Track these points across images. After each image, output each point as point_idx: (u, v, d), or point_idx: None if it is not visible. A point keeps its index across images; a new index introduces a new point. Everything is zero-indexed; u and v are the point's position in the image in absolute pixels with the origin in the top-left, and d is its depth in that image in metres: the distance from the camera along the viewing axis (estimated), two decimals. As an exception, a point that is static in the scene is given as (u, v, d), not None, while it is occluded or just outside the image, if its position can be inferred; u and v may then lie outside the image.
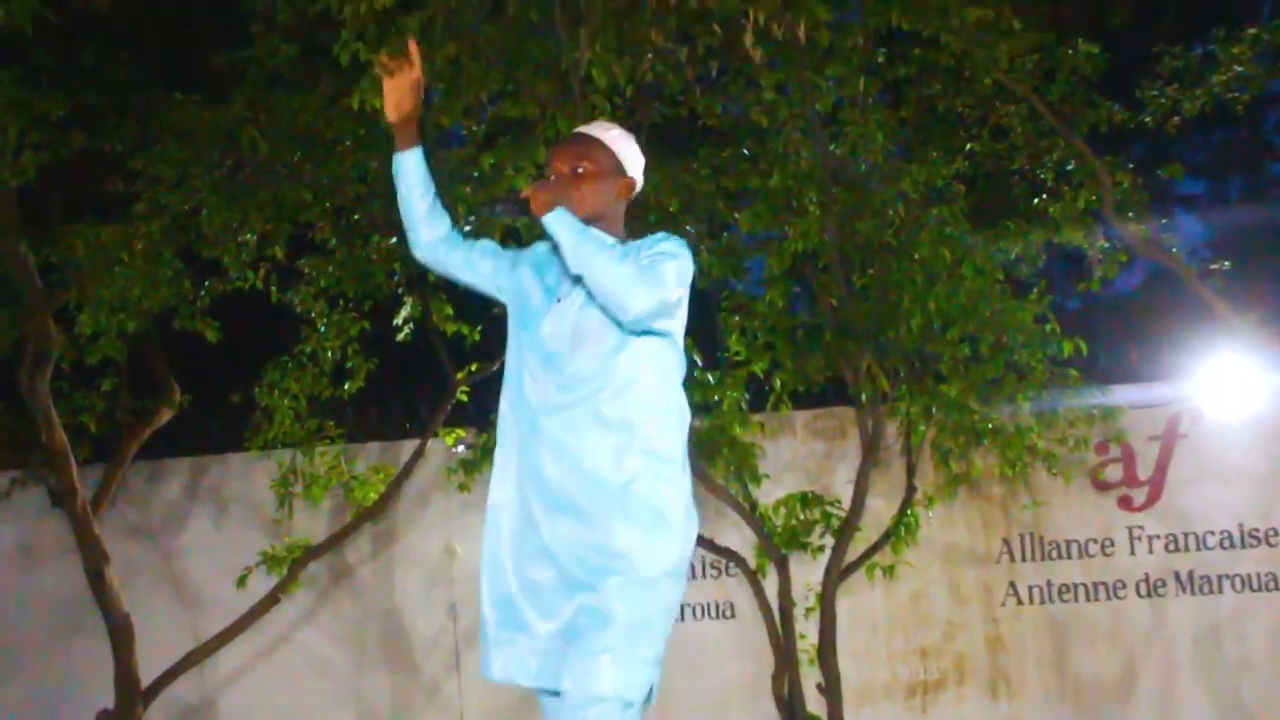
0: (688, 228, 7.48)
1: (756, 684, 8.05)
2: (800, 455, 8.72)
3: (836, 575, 7.27)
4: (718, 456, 7.39)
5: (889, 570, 7.79)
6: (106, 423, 8.93)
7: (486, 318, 8.30)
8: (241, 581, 8.38)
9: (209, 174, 7.07)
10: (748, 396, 7.61)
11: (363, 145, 7.13)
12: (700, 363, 7.50)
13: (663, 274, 2.89)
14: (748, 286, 7.95)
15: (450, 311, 8.26)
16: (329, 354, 8.26)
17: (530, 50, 6.42)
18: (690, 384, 7.21)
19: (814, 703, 7.35)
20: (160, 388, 9.09)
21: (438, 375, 8.84)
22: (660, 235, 3.01)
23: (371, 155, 7.10)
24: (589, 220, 3.01)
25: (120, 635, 8.20)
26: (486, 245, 3.26)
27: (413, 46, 3.20)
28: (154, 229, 7.19)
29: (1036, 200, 7.85)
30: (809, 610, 7.53)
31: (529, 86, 6.47)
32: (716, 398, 7.45)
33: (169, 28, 9.14)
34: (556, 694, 2.85)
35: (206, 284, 8.02)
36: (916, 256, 6.85)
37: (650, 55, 6.23)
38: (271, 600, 8.51)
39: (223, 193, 7.10)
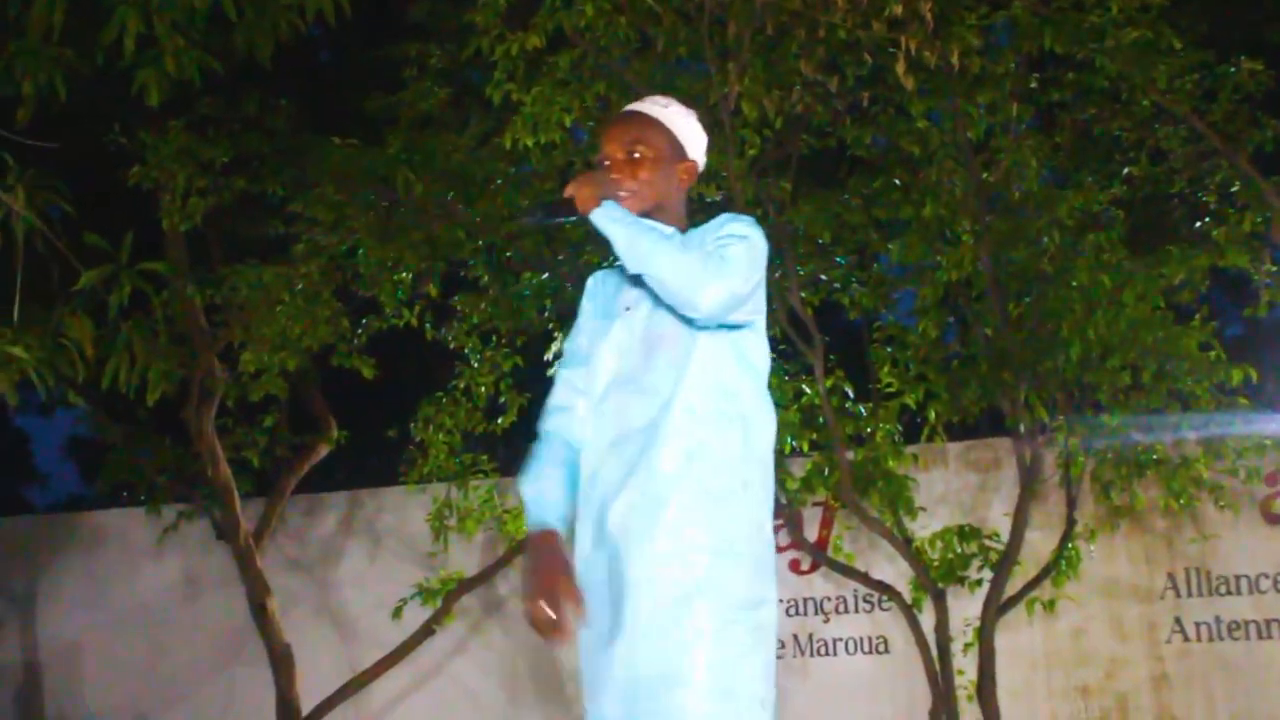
0: (838, 259, 7.44)
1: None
2: (955, 487, 8.57)
3: (995, 610, 7.10)
4: (871, 489, 7.30)
5: (1049, 605, 7.58)
6: (267, 458, 9.21)
7: (636, 352, 8.34)
8: (397, 613, 8.52)
9: (365, 215, 7.24)
10: (900, 428, 7.51)
11: (513, 183, 7.23)
12: (852, 394, 7.43)
13: (732, 261, 2.51)
14: (899, 317, 7.86)
15: (599, 346, 8.32)
16: (482, 389, 8.38)
17: (679, 84, 6.45)
18: (843, 416, 7.18)
19: (973, 741, 7.19)
20: (318, 424, 9.33)
21: (587, 409, 8.90)
22: (725, 216, 2.65)
23: (522, 194, 7.20)
24: (649, 211, 2.67)
25: (281, 664, 8.41)
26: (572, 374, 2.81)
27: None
28: (313, 269, 7.39)
29: (1198, 224, 7.62)
30: (967, 646, 7.37)
31: (678, 121, 6.49)
32: (869, 429, 7.37)
33: (326, 75, 9.43)
34: None
35: (363, 322, 8.21)
36: (1074, 284, 6.70)
37: (799, 87, 6.22)
38: (425, 632, 8.64)
39: (378, 233, 7.26)
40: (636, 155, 2.69)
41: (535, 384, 8.53)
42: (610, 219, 2.55)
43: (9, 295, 5.38)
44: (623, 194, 2.63)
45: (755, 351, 2.63)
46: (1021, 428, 7.20)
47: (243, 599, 8.73)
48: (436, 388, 8.49)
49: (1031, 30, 6.44)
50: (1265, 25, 7.95)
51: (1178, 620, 8.20)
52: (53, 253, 5.64)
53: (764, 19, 5.74)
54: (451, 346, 8.43)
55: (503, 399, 8.49)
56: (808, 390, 7.35)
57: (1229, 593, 8.15)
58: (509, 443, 9.01)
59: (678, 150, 2.74)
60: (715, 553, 2.49)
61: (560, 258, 7.58)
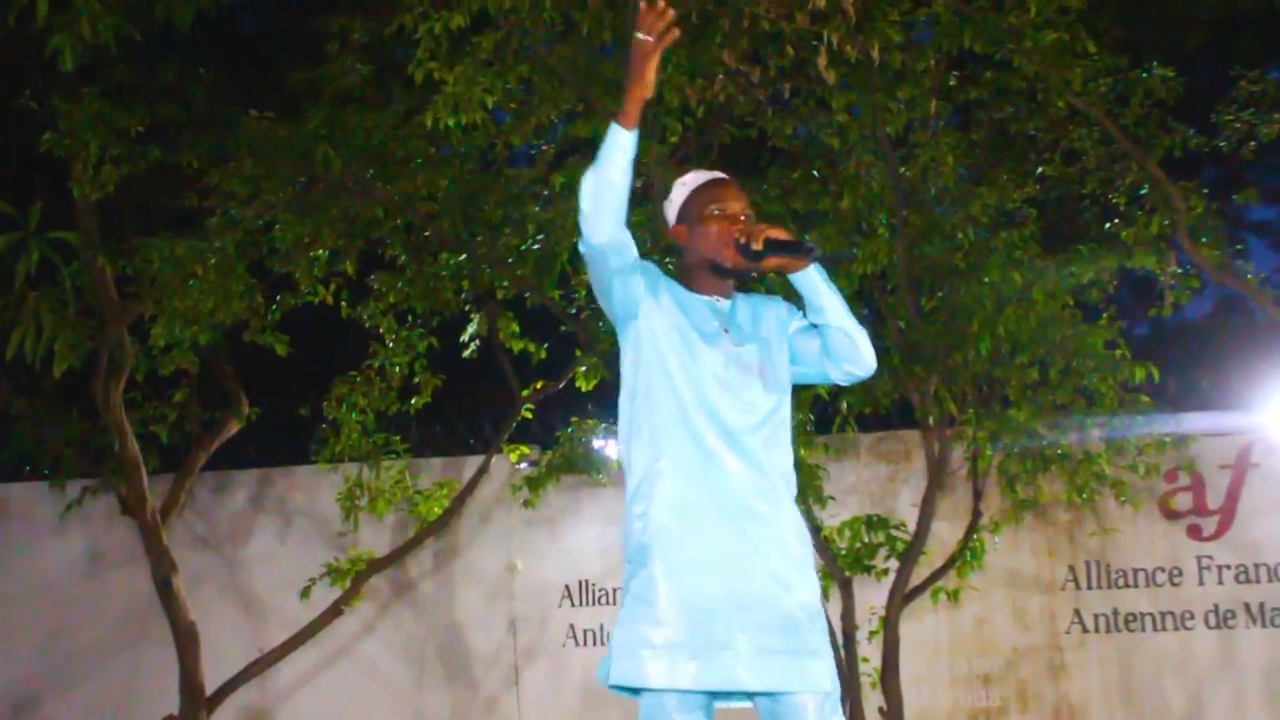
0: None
1: (817, 707, 8.00)
2: (865, 478, 8.69)
3: (901, 599, 7.22)
4: (782, 478, 7.36)
5: (953, 595, 7.72)
6: (177, 434, 9.08)
7: (552, 335, 8.34)
8: (305, 593, 8.47)
9: (282, 190, 7.15)
10: (812, 418, 7.59)
11: (434, 163, 7.19)
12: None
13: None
14: (814, 308, 7.92)
15: (516, 329, 8.31)
16: (396, 369, 8.33)
17: (602, 70, 6.45)
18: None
19: (876, 727, 7.30)
20: (230, 400, 9.21)
21: (503, 392, 8.90)
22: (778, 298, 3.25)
23: (443, 173, 7.17)
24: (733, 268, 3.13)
25: (186, 643, 8.30)
26: (635, 259, 3.08)
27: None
28: (227, 243, 7.29)
29: (1108, 225, 7.76)
30: (872, 634, 7.48)
31: (600, 106, 6.49)
32: (782, 419, 7.42)
33: (246, 46, 9.30)
34: (771, 696, 2.88)
35: (278, 298, 8.12)
36: (986, 280, 6.81)
37: (722, 76, 6.24)
38: (334, 612, 8.59)
39: (295, 208, 7.18)
40: (746, 216, 3.09)
41: (450, 365, 8.52)
42: (825, 278, 3.06)
43: (-88, 261, 5.27)
44: (748, 247, 2.97)
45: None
46: (931, 420, 7.31)
47: (148, 576, 8.60)
48: (350, 366, 8.43)
49: (952, 28, 6.51)
50: (1179, 32, 8.12)
51: (1077, 612, 8.40)
52: (-42, 219, 5.54)
53: (688, 7, 5.74)
54: (367, 325, 8.37)
55: (417, 379, 8.45)
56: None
57: (1127, 585, 8.37)
58: (422, 423, 8.99)
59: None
60: (805, 540, 3.04)
61: (479, 239, 7.55)
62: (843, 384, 3.21)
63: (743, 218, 3.08)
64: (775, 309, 3.19)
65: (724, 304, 3.11)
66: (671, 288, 3.11)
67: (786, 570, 2.92)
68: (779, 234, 2.96)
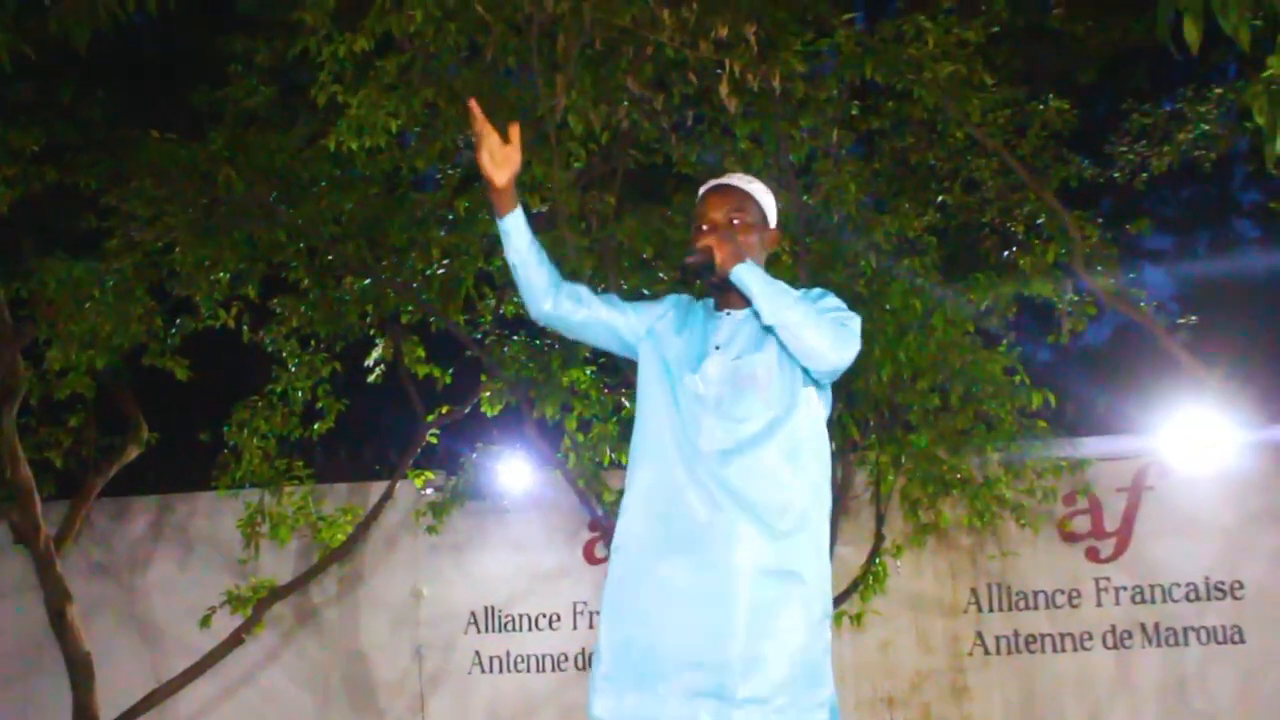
0: (660, 275, 7.51)
1: (723, 732, 8.02)
2: (770, 502, 8.72)
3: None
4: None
5: (857, 619, 7.78)
6: (72, 459, 8.88)
7: (458, 360, 8.30)
8: (205, 621, 8.31)
9: (183, 212, 7.06)
10: (717, 442, 7.61)
11: (338, 186, 7.15)
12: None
13: (853, 332, 2.96)
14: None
15: (422, 354, 8.27)
16: (299, 394, 8.24)
17: (507, 95, 6.45)
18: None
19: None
20: (128, 425, 9.05)
21: (408, 417, 8.84)
22: (820, 290, 3.07)
23: (346, 196, 7.12)
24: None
25: (80, 674, 8.11)
26: (612, 300, 3.17)
27: (474, 108, 3.07)
28: (126, 265, 7.18)
29: (1007, 253, 7.92)
30: (776, 658, 7.51)
31: (507, 130, 6.48)
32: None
33: (147, 66, 9.16)
34: None
35: (178, 322, 8.00)
36: (888, 307, 6.89)
37: (626, 102, 6.27)
38: (235, 641, 8.44)
39: (197, 231, 7.09)
40: (735, 222, 3.03)
41: (353, 390, 8.44)
42: (753, 276, 2.92)
43: None
44: (722, 255, 2.94)
45: (824, 401, 3.03)
46: (833, 445, 7.36)
47: (41, 606, 8.40)
48: (252, 391, 8.32)
49: (854, 59, 6.60)
50: (1074, 67, 8.30)
51: (979, 634, 8.50)
52: None
53: (592, 34, 5.76)
54: (269, 350, 8.27)
55: (320, 404, 8.36)
56: (627, 404, 7.41)
57: (1027, 607, 8.49)
58: (326, 449, 8.89)
59: (765, 219, 3.11)
60: (811, 567, 2.90)
61: (383, 263, 7.50)
62: (829, 380, 3.01)
63: (704, 226, 3.05)
64: None
65: (737, 314, 3.05)
66: (677, 313, 3.14)
67: (728, 618, 2.81)
68: (691, 258, 2.98)
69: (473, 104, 3.05)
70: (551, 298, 3.09)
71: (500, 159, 3.00)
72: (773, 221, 3.15)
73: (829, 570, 2.97)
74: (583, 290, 3.14)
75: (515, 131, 3.03)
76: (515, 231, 3.05)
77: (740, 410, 2.93)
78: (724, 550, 2.85)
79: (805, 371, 2.96)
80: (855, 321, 3.00)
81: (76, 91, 7.89)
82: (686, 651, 2.81)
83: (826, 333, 2.90)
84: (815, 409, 3.00)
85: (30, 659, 8.94)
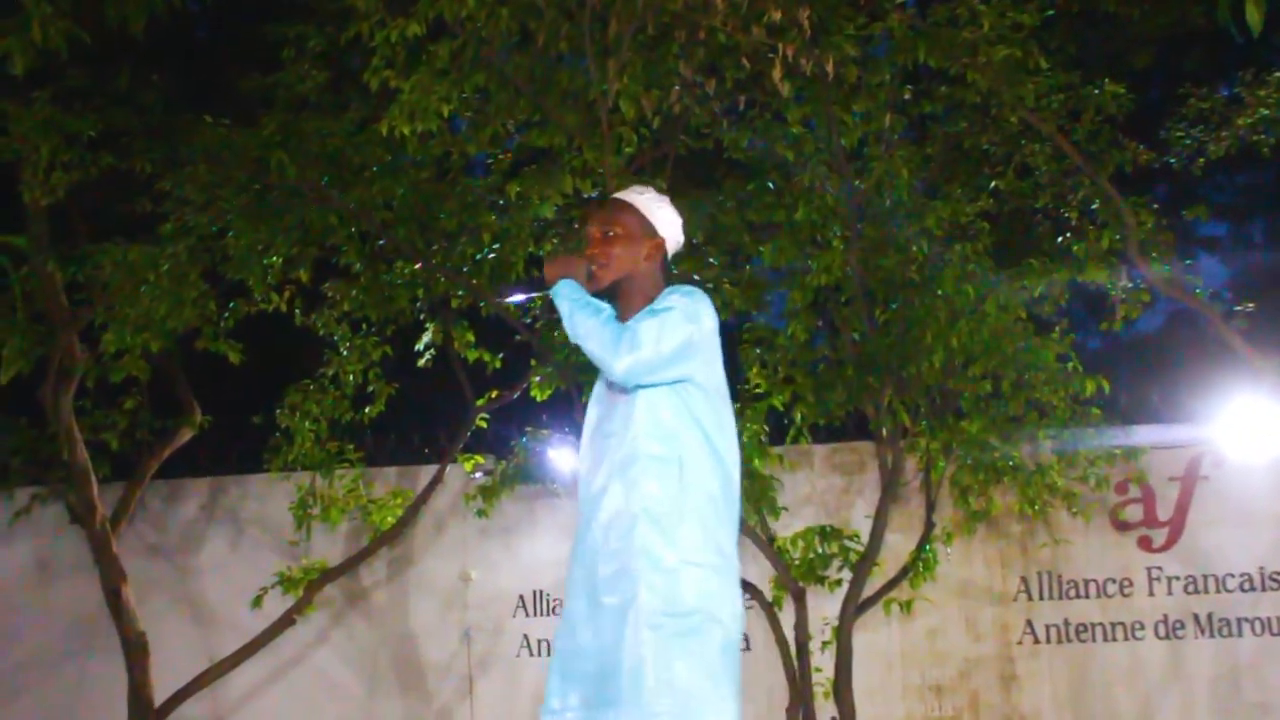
0: (710, 259, 7.50)
1: (770, 717, 8.03)
2: (819, 489, 8.71)
3: (853, 610, 7.25)
4: (736, 488, 7.37)
5: (906, 606, 7.76)
6: (127, 441, 8.99)
7: (508, 345, 8.32)
8: (257, 602, 8.40)
9: (236, 197, 7.11)
10: (767, 429, 7.61)
11: (389, 171, 7.16)
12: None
13: (644, 334, 2.98)
14: (769, 319, 7.97)
15: (471, 338, 8.29)
16: (350, 378, 8.29)
17: (559, 80, 6.45)
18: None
19: (828, 738, 7.33)
20: (181, 408, 9.14)
21: (458, 401, 8.87)
22: (670, 289, 3.12)
23: (398, 181, 7.14)
24: (621, 280, 3.17)
25: (134, 653, 8.22)
26: None
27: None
28: (180, 250, 7.23)
29: (1060, 239, 7.85)
30: (825, 644, 7.51)
31: (556, 116, 6.50)
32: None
33: (201, 53, 9.24)
34: None
35: (231, 305, 8.07)
36: (940, 293, 6.86)
37: (678, 87, 6.26)
38: (286, 622, 8.52)
39: (249, 215, 7.13)
40: (611, 234, 3.19)
41: (404, 374, 8.48)
42: (560, 296, 3.12)
43: None
44: (595, 267, 3.16)
45: (699, 403, 3.04)
46: (885, 432, 7.35)
47: (97, 586, 8.51)
48: (304, 375, 8.38)
49: (907, 43, 6.57)
50: (1129, 50, 8.21)
51: (1029, 623, 8.45)
52: (-96, 222, 5.46)
53: (645, 18, 5.75)
54: (321, 333, 8.32)
55: (371, 388, 8.41)
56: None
57: (1078, 596, 8.42)
58: (376, 432, 8.94)
59: (648, 229, 3.22)
60: (645, 568, 2.94)
61: (434, 247, 7.53)
62: (639, 383, 3.04)
63: (590, 244, 3.22)
64: None
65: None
66: None
67: (589, 621, 3.01)
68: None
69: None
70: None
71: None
72: (662, 230, 3.24)
73: (683, 571, 2.93)
74: None
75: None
76: (562, 300, 3.19)
77: (613, 424, 3.10)
78: (588, 563, 3.05)
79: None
80: (653, 321, 3.01)
81: (132, 77, 7.95)
82: (565, 667, 3.03)
83: (606, 347, 2.99)
84: (660, 413, 3.03)
85: (86, 638, 9.06)
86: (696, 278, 7.38)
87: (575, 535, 3.15)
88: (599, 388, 3.21)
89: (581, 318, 3.06)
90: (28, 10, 5.57)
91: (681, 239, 3.32)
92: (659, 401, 3.03)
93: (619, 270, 3.17)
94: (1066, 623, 8.41)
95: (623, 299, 3.19)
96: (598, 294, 3.16)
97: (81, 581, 8.97)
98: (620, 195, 3.30)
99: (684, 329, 3.02)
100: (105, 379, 8.02)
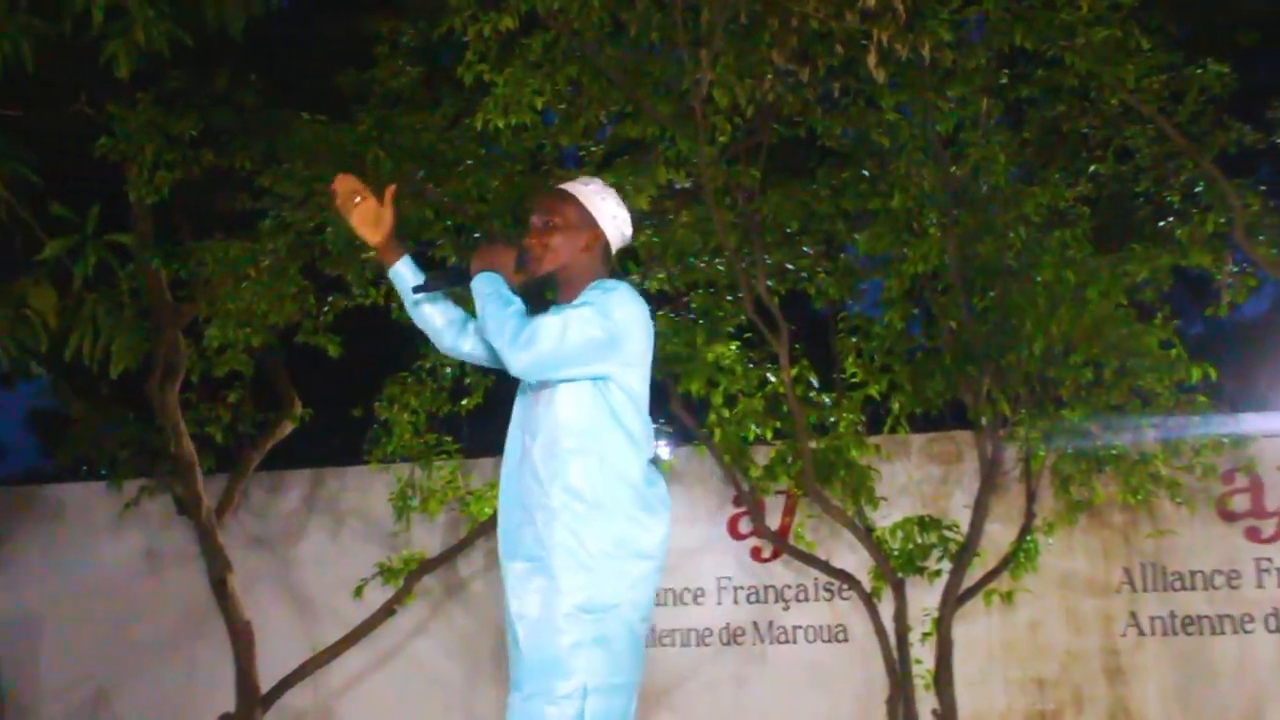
0: (805, 248, 7.46)
1: (869, 709, 7.97)
2: (916, 479, 8.62)
3: (954, 600, 7.17)
4: (834, 478, 7.34)
5: (1007, 597, 7.66)
6: (230, 434, 9.17)
7: (601, 335, 8.34)
8: (358, 592, 8.52)
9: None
10: (864, 419, 7.56)
11: (483, 164, 7.22)
12: (816, 384, 7.46)
13: (542, 329, 2.97)
14: (864, 308, 7.90)
15: (565, 329, 8.31)
16: (447, 370, 8.37)
17: (651, 70, 6.46)
18: (807, 405, 7.22)
19: (928, 730, 7.26)
20: (282, 401, 9.30)
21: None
22: (592, 284, 3.13)
23: (492, 175, 7.19)
24: (558, 270, 3.19)
25: (241, 642, 8.40)
26: None
27: (350, 180, 3.29)
28: (280, 245, 7.36)
29: (1163, 223, 7.67)
30: (925, 635, 7.43)
31: (649, 106, 6.50)
32: (833, 419, 7.41)
33: (297, 51, 9.37)
34: None
35: (329, 300, 8.18)
36: (1039, 279, 6.74)
37: (771, 76, 6.23)
38: (386, 612, 8.64)
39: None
40: (550, 224, 3.20)
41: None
42: (475, 288, 3.10)
43: (-28, 264, 5.35)
44: (530, 256, 3.16)
45: (618, 399, 3.07)
46: (984, 421, 7.25)
47: (203, 575, 8.71)
48: (401, 367, 8.47)
49: (1003, 26, 6.47)
50: (1233, 28, 8.01)
51: (1133, 614, 8.28)
52: (17, 222, 5.61)
53: (737, 7, 5.74)
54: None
55: (468, 380, 8.47)
56: (772, 379, 7.37)
57: (1183, 588, 8.24)
58: (473, 424, 9.01)
59: (587, 221, 3.22)
60: (563, 562, 3.00)
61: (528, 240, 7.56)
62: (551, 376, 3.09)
63: (531, 234, 3.23)
64: None
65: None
66: None
67: (511, 612, 3.10)
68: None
69: (341, 181, 3.28)
70: (450, 335, 3.37)
71: (373, 219, 3.24)
72: (602, 223, 3.23)
73: (600, 567, 3.00)
74: (473, 323, 3.35)
75: (390, 191, 3.27)
76: (406, 278, 3.29)
77: (536, 414, 3.12)
78: (509, 547, 3.12)
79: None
80: (558, 318, 2.99)
81: (231, 77, 8.11)
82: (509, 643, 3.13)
83: (504, 342, 2.98)
84: (579, 408, 3.06)
85: (194, 626, 9.27)
86: (790, 267, 7.33)
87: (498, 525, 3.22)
88: (525, 381, 3.21)
89: (491, 309, 3.03)
90: (131, 14, 5.69)
91: (627, 232, 3.31)
92: (580, 397, 3.06)
93: (555, 260, 3.17)
94: (1172, 615, 8.24)
95: (561, 289, 3.22)
96: (533, 282, 3.16)
97: (188, 571, 9.18)
98: (564, 185, 3.32)
99: (593, 326, 3.00)
100: (209, 373, 8.18)
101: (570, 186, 3.29)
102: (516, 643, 3.07)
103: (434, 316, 3.33)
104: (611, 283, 3.13)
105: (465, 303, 3.28)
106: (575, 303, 3.04)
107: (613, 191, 3.30)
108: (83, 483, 10.28)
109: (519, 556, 3.07)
